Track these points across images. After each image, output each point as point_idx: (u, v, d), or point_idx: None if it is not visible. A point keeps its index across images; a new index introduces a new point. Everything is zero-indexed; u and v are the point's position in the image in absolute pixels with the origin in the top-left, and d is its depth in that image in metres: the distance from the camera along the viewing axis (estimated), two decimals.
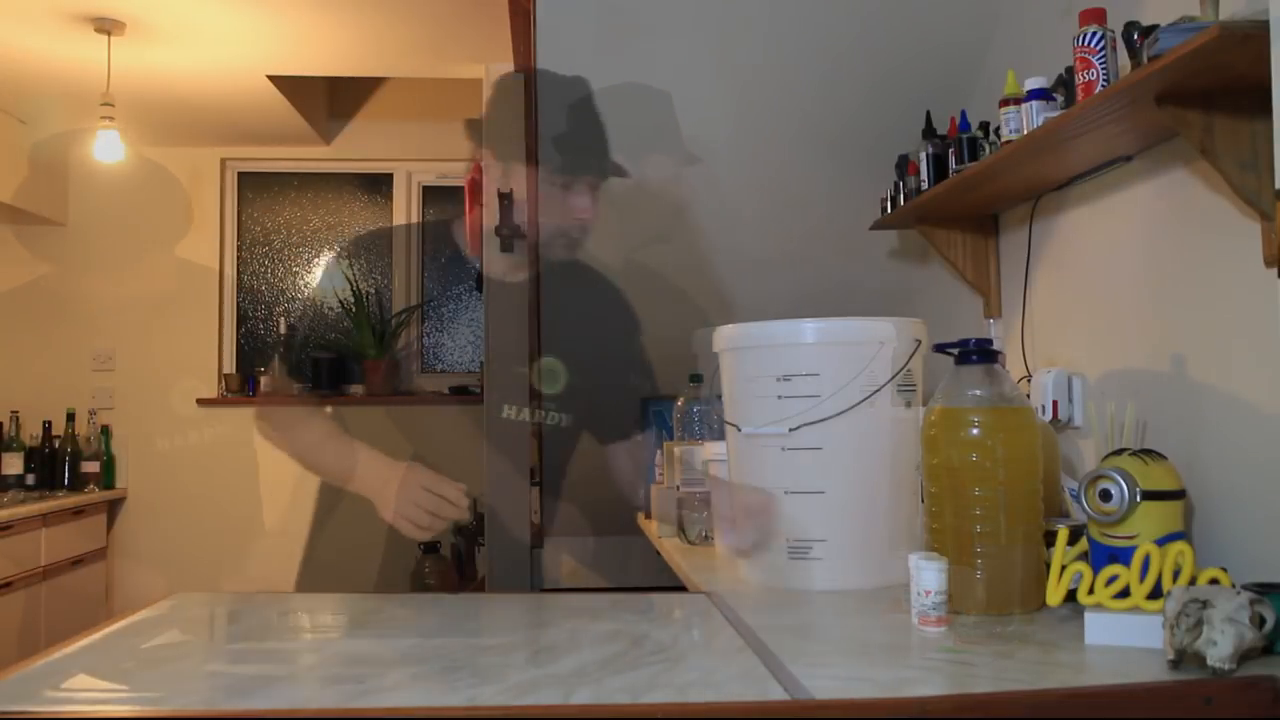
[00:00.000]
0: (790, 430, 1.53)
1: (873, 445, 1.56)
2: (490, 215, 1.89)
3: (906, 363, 1.54)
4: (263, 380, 2.14)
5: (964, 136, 2.01)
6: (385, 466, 1.66)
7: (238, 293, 4.88)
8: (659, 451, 2.22)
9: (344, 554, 2.15)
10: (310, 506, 2.10)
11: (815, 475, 1.54)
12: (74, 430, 4.52)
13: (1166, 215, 1.59)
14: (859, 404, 1.51)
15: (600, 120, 1.86)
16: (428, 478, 1.59)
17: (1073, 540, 1.31)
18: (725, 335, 1.65)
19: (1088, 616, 1.17)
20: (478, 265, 2.01)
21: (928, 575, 1.23)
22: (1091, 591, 1.18)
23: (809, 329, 1.56)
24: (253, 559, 4.55)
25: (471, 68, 3.84)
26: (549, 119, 1.87)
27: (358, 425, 2.16)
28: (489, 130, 1.92)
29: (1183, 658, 1.04)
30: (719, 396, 1.69)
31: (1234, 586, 1.10)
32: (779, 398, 1.54)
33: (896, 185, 2.25)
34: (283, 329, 4.82)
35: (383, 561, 2.03)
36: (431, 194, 4.96)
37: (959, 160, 2.02)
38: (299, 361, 2.10)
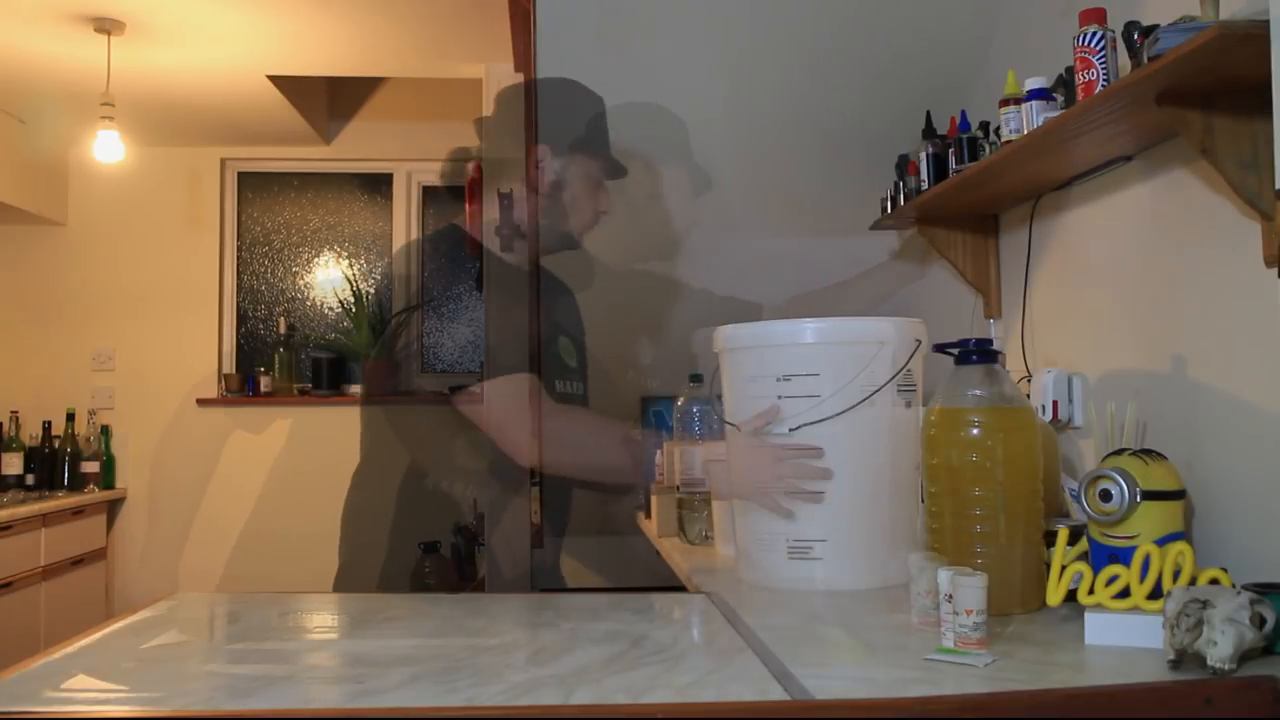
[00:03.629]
0: (790, 430, 1.53)
1: (873, 445, 1.56)
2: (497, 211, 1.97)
3: (906, 363, 1.54)
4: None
5: (964, 136, 2.01)
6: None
7: (238, 293, 4.88)
8: (659, 451, 2.22)
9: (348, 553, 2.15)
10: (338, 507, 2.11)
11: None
12: (74, 430, 4.53)
13: (1166, 215, 1.59)
14: (859, 404, 1.51)
15: (605, 123, 2.02)
16: (785, 449, 1.54)
17: (1073, 540, 1.31)
18: (725, 335, 1.65)
19: (1088, 616, 1.17)
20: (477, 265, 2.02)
21: (969, 594, 1.12)
22: (1091, 591, 1.18)
23: (809, 329, 1.56)
24: (252, 559, 4.55)
25: (471, 68, 3.84)
26: (558, 121, 1.97)
27: (358, 425, 2.17)
28: (544, 131, 2.02)
29: (1183, 658, 1.04)
30: (719, 396, 1.69)
31: (1234, 586, 1.10)
32: (779, 398, 1.54)
33: (896, 185, 2.25)
34: (283, 329, 4.82)
35: (383, 561, 2.03)
36: (431, 194, 4.96)
37: (959, 160, 2.01)
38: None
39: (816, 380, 1.52)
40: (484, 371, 1.94)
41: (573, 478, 2.08)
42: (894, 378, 1.52)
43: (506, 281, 1.96)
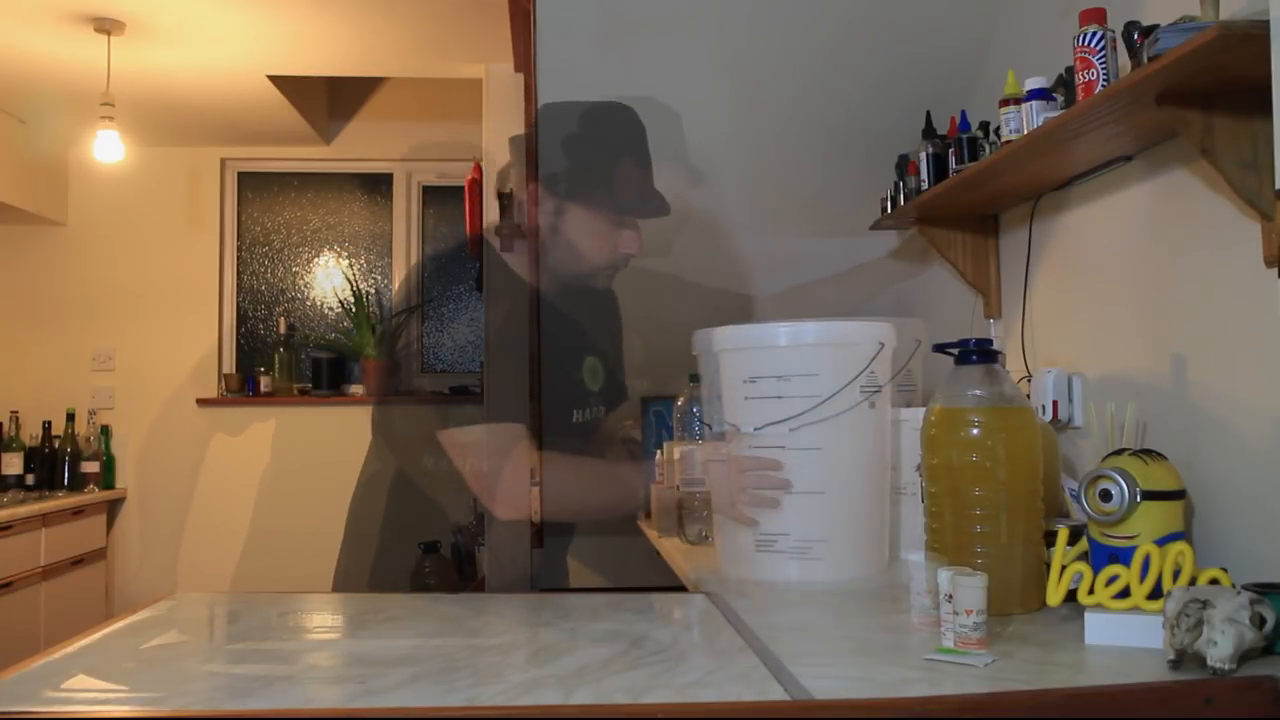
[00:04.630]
0: (790, 430, 1.53)
1: (872, 445, 1.57)
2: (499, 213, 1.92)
3: (906, 363, 1.54)
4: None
5: (964, 136, 2.01)
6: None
7: (238, 293, 4.88)
8: (659, 451, 2.22)
9: (350, 551, 2.15)
10: (333, 509, 2.11)
11: (815, 475, 1.54)
12: (74, 430, 4.52)
13: (1166, 215, 1.59)
14: (858, 404, 1.51)
15: (645, 151, 1.88)
16: (746, 460, 1.58)
17: (1073, 540, 1.31)
18: (725, 336, 1.65)
19: (1088, 616, 1.17)
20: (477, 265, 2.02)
21: (969, 594, 1.12)
22: (1091, 591, 1.18)
23: (808, 330, 1.57)
24: (252, 559, 4.55)
25: (471, 68, 3.84)
26: (588, 148, 1.89)
27: (359, 425, 2.17)
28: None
29: (1183, 658, 1.04)
30: (719, 396, 1.69)
31: (1234, 586, 1.10)
32: (778, 398, 1.54)
33: (896, 185, 2.25)
34: (283, 329, 4.82)
35: (382, 562, 2.03)
36: (431, 194, 4.96)
37: (959, 160, 2.01)
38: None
39: (816, 380, 1.52)
40: (483, 373, 1.94)
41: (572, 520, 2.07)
42: (894, 378, 1.52)
43: (509, 288, 1.92)
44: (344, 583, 2.09)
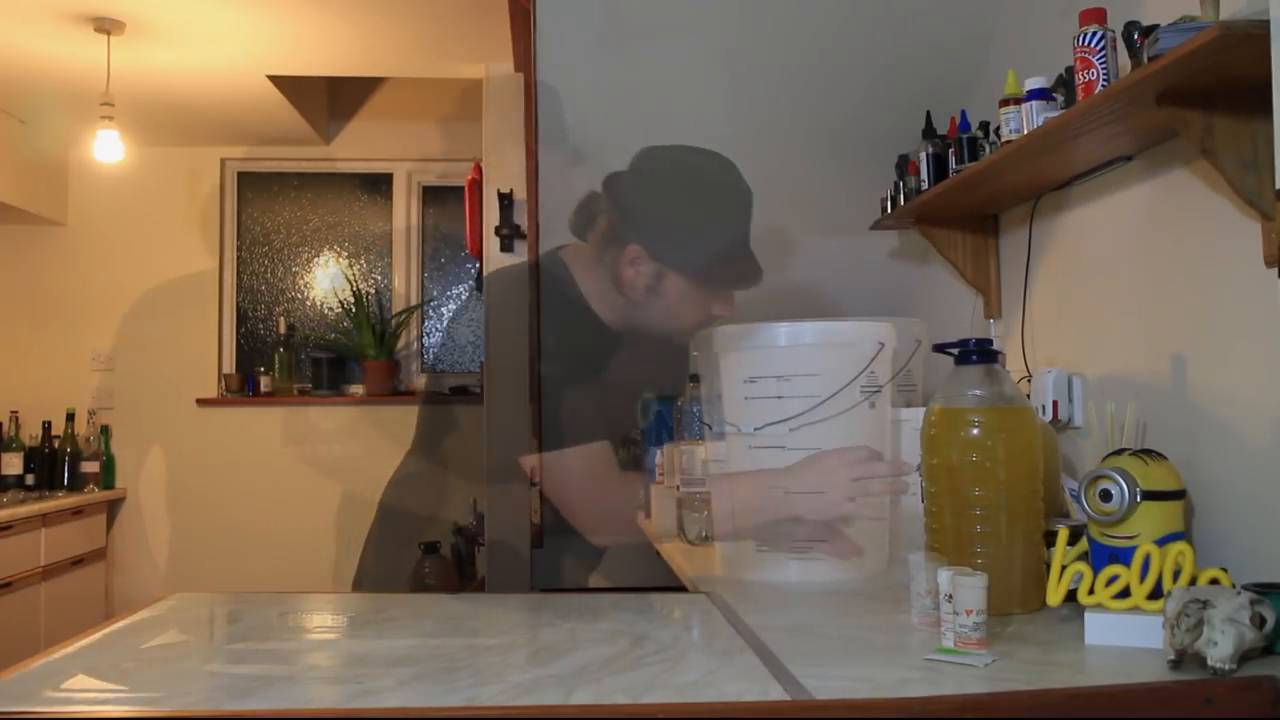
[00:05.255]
0: (791, 430, 1.53)
1: (872, 445, 1.56)
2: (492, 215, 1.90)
3: (906, 363, 1.54)
4: None
5: (964, 136, 2.01)
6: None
7: (238, 293, 4.88)
8: (659, 451, 2.22)
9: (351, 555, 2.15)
10: (356, 511, 2.10)
11: None
12: (74, 430, 4.52)
13: (1166, 215, 1.59)
14: (858, 404, 1.51)
15: (749, 219, 1.81)
16: (857, 453, 1.49)
17: (1073, 540, 1.31)
18: (725, 336, 1.65)
19: (1088, 616, 1.17)
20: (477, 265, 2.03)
21: (969, 594, 1.12)
22: (1091, 591, 1.18)
23: (808, 330, 1.57)
24: (251, 559, 4.55)
25: (471, 68, 3.84)
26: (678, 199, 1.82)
27: (359, 425, 2.17)
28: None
29: (1183, 658, 1.04)
30: (719, 396, 1.69)
31: (1234, 586, 1.10)
32: (779, 398, 1.54)
33: (896, 185, 2.25)
34: (283, 329, 4.82)
35: (383, 561, 2.03)
36: (431, 194, 4.96)
37: (959, 160, 2.02)
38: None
39: (816, 381, 1.52)
40: (484, 371, 1.94)
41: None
42: (894, 378, 1.52)
43: (566, 305, 1.86)
44: (367, 578, 2.09)
